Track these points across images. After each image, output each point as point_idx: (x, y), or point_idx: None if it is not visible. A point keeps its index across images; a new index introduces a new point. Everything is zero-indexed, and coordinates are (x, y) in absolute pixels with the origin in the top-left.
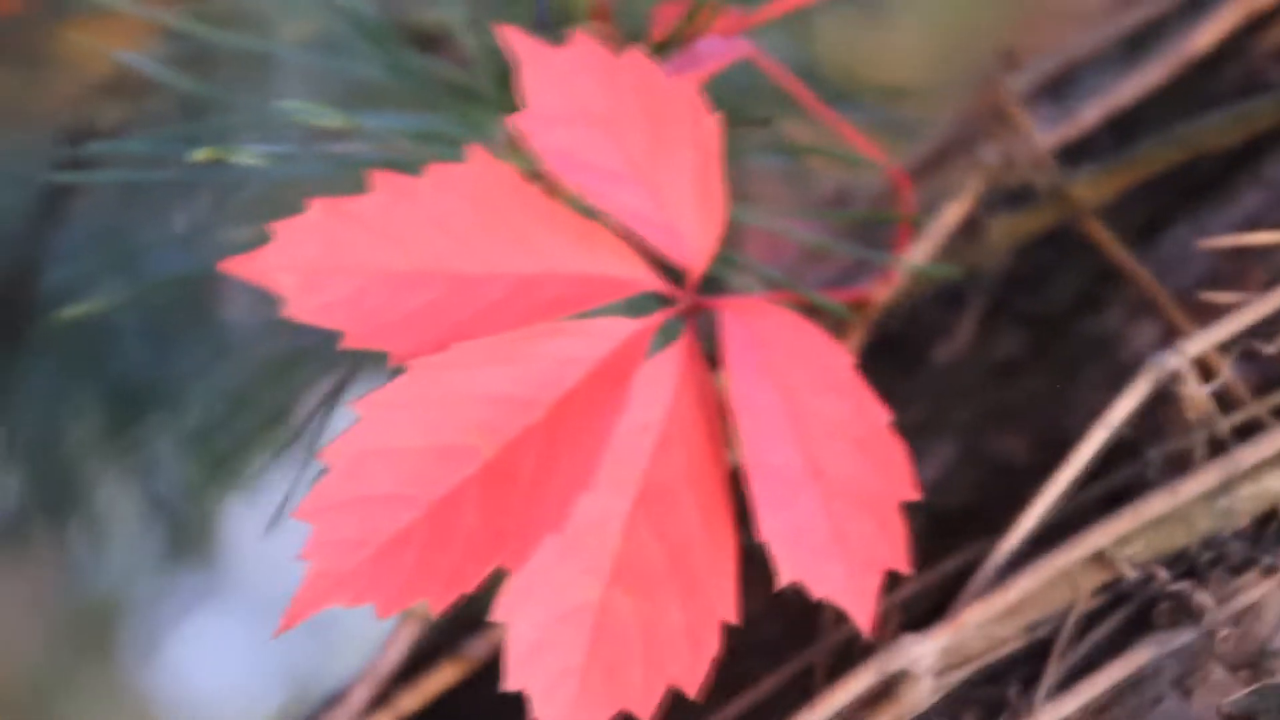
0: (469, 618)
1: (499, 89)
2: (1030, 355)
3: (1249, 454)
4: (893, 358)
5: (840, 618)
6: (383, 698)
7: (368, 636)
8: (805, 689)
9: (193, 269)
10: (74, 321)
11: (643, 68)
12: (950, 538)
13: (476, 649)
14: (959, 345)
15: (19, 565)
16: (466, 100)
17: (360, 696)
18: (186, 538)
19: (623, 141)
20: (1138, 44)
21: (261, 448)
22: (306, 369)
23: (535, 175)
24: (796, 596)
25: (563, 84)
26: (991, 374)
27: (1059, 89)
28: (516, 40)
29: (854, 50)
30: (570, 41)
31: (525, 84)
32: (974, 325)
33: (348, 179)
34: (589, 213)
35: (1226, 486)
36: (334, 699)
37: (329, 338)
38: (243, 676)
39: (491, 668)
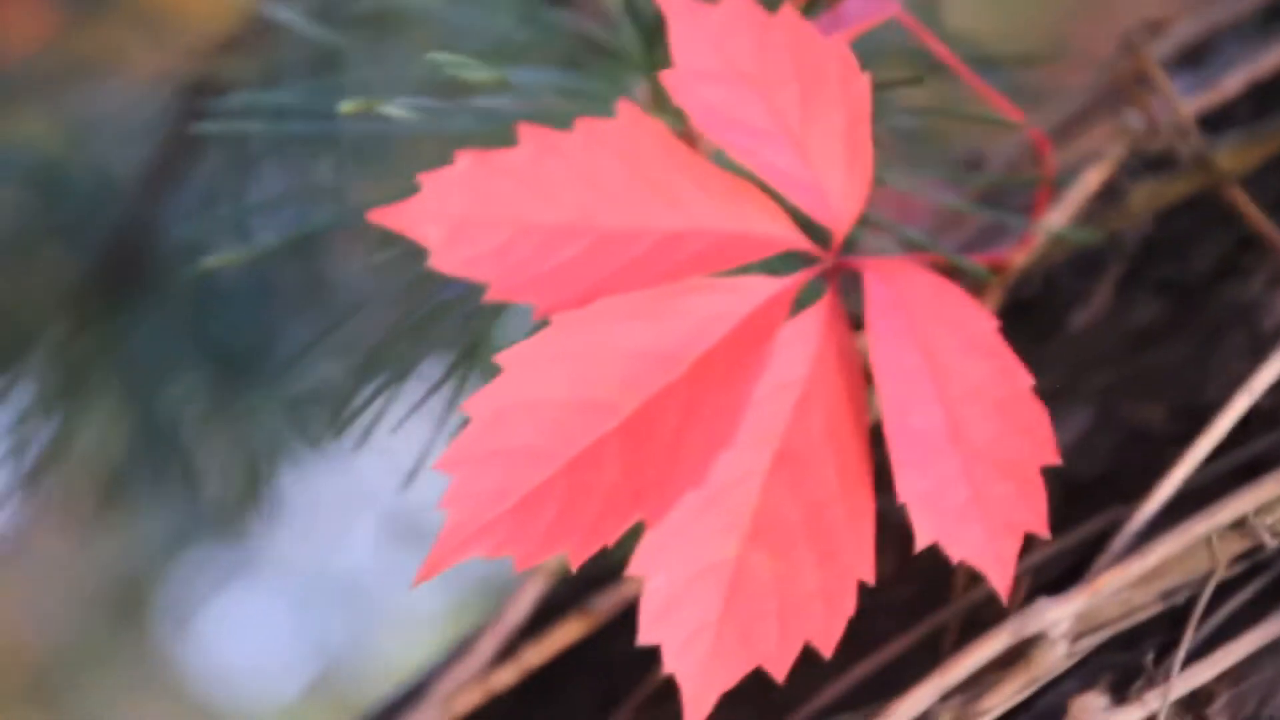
0: (594, 574)
1: (643, 47)
2: (1168, 323)
3: None
4: (1028, 324)
5: (972, 582)
6: (509, 650)
7: (399, 612)
8: (935, 651)
9: (308, 229)
10: (189, 280)
11: (795, 26)
12: (1083, 504)
13: (602, 605)
14: (1096, 312)
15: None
16: (607, 58)
17: (487, 648)
18: (229, 511)
19: (772, 100)
20: (1276, 15)
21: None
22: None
23: (682, 132)
24: (928, 559)
25: (713, 41)
26: (1128, 341)
27: (1198, 58)
28: None
29: (978, 19)
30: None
31: (674, 41)
32: (1111, 292)
33: (481, 135)
34: (735, 170)
35: None
36: (461, 649)
37: (442, 304)
38: (275, 650)
39: (616, 625)
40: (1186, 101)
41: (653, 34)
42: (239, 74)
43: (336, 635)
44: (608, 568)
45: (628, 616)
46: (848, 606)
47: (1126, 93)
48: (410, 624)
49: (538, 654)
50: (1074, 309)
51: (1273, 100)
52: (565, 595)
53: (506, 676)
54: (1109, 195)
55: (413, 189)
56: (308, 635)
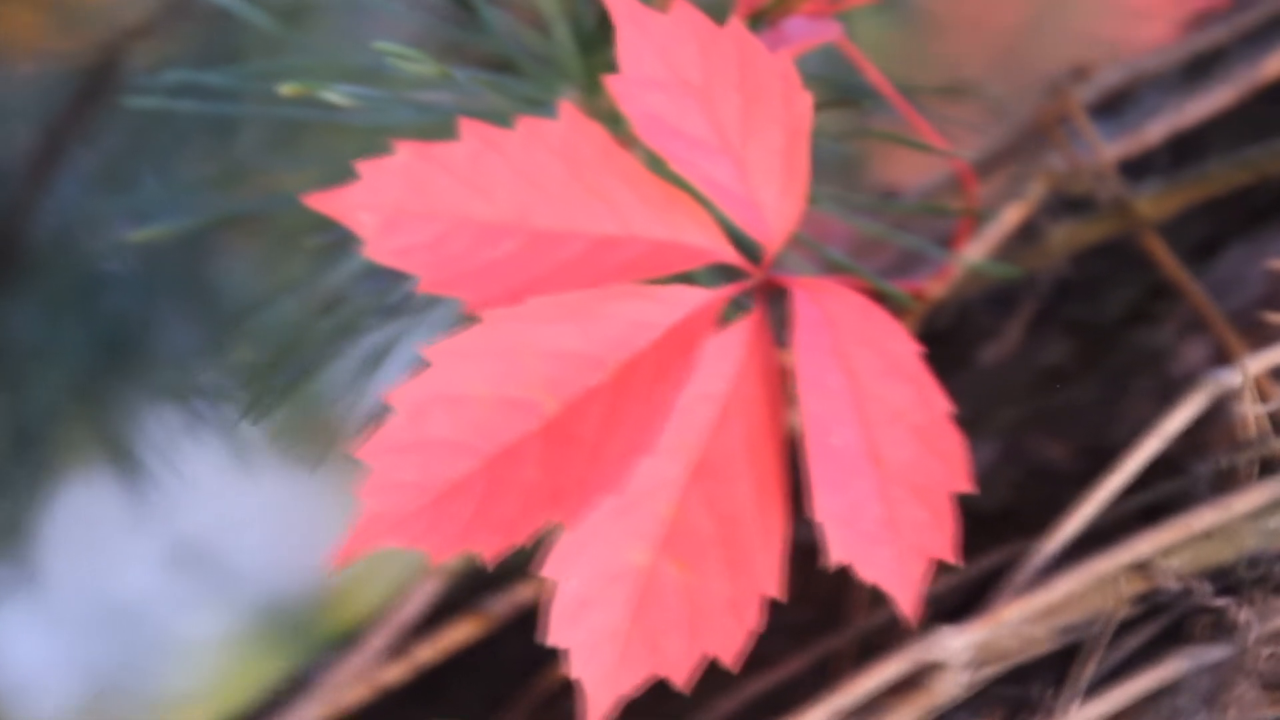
0: (489, 576)
1: (578, 54)
2: (1077, 363)
3: None
4: (940, 354)
5: (870, 607)
6: (400, 647)
7: (178, 638)
8: (828, 673)
9: (219, 216)
10: (64, 265)
11: (742, 39)
12: (982, 537)
13: (497, 607)
14: (1006, 348)
15: None
16: (538, 62)
17: (376, 644)
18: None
19: (715, 112)
20: (1198, 69)
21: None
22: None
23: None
24: (827, 582)
25: (659, 48)
26: (1037, 379)
27: (1119, 105)
28: (616, 2)
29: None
30: (671, 7)
31: (621, 46)
32: (1023, 329)
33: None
34: (671, 179)
35: (1276, 507)
36: (349, 644)
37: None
38: (45, 670)
39: (509, 628)
40: (1108, 146)
41: (590, 42)
42: (145, 63)
43: (111, 658)
44: (503, 571)
45: (521, 620)
46: (753, 620)
47: (1049, 134)
48: (189, 650)
49: (428, 652)
50: (985, 343)
51: (1191, 152)
52: (458, 596)
53: (396, 673)
54: (1027, 233)
55: (322, 182)
56: (82, 658)
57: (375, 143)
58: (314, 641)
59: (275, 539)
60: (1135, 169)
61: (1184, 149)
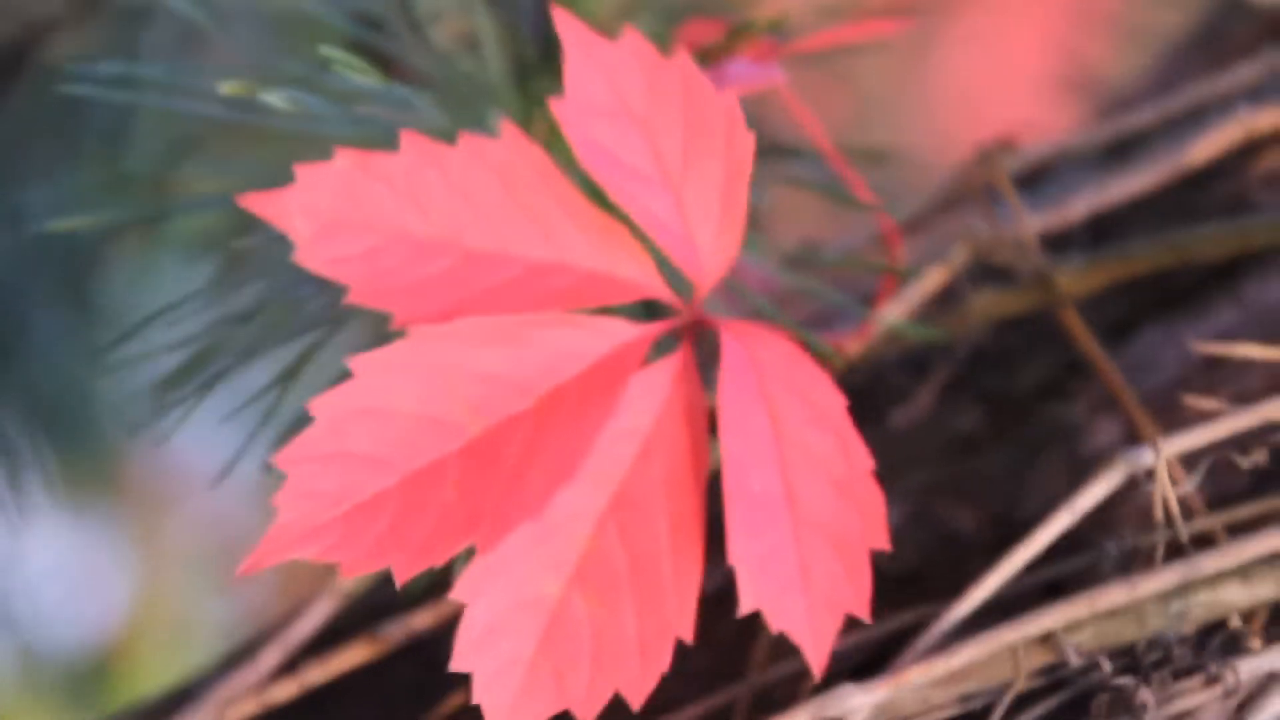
0: (384, 601)
1: (514, 80)
2: (988, 433)
3: (1211, 562)
4: (851, 413)
5: (770, 660)
6: (291, 666)
7: None
8: None
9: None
10: None
11: (689, 73)
12: (886, 597)
13: (391, 632)
14: (918, 411)
15: None
16: (470, 84)
17: (269, 661)
18: None
19: (657, 144)
20: (1119, 150)
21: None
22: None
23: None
24: (728, 630)
25: (607, 76)
26: (947, 445)
27: (1037, 180)
28: (566, 26)
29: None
30: (621, 36)
31: (568, 71)
32: (936, 394)
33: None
34: (608, 209)
35: (1183, 590)
36: (240, 659)
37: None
38: None
39: (402, 653)
40: (1032, 219)
41: (529, 68)
42: (50, 55)
43: None
44: (398, 596)
45: (414, 647)
46: (663, 661)
47: (975, 201)
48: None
49: (320, 673)
50: (897, 405)
51: (1110, 231)
52: (353, 618)
53: (285, 691)
54: (947, 298)
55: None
56: None
57: (283, 151)
58: (91, 699)
59: (59, 587)
60: (1055, 244)
61: (1104, 228)
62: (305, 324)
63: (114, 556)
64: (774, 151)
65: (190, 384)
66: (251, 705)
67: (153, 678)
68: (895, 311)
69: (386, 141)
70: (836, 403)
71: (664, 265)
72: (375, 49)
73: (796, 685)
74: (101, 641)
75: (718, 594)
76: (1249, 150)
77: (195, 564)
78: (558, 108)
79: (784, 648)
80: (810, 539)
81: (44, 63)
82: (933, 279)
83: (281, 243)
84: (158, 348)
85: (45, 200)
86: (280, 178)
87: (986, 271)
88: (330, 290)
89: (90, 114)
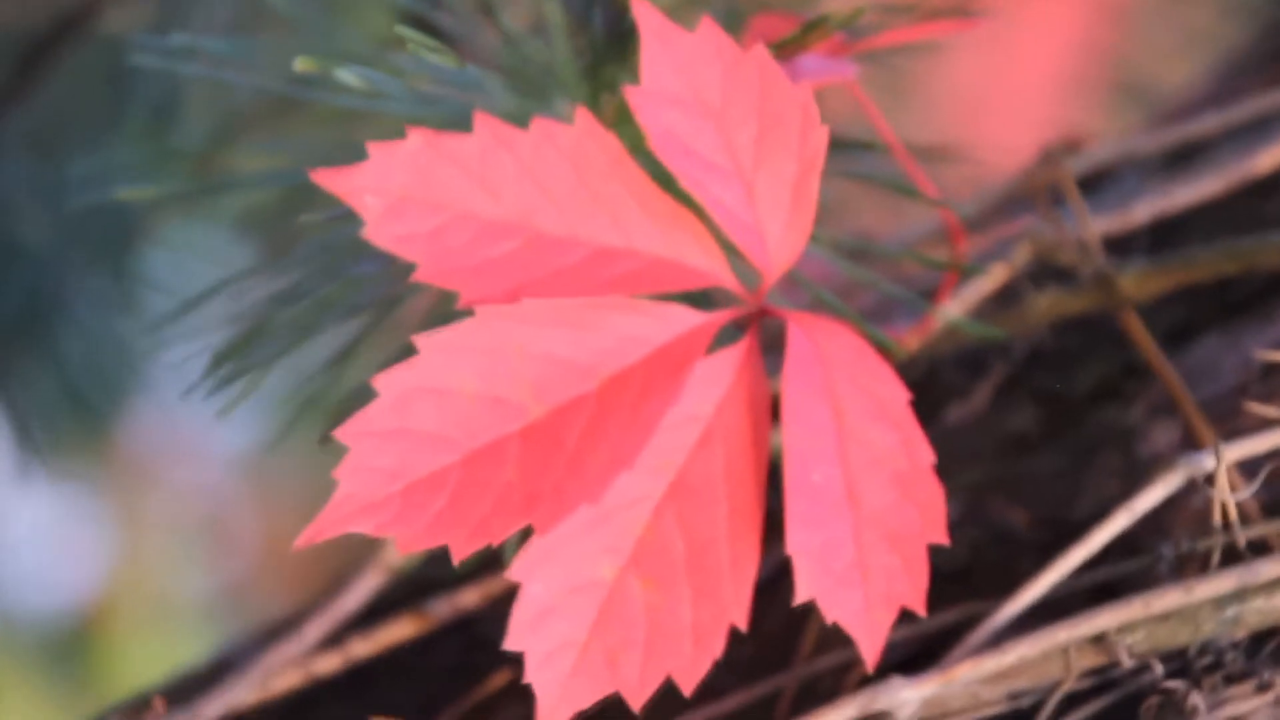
0: (432, 578)
1: (587, 67)
2: (1043, 433)
3: (1267, 568)
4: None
5: (816, 652)
6: (336, 639)
7: None
8: (769, 714)
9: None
10: None
11: (765, 65)
12: (937, 592)
13: (438, 609)
14: (974, 409)
15: None
16: (542, 72)
17: (314, 633)
18: None
19: (730, 135)
20: (1182, 157)
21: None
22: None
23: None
24: (775, 619)
25: (682, 66)
26: (1002, 444)
27: (1099, 183)
28: (645, 14)
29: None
30: (698, 27)
31: (645, 60)
32: (991, 392)
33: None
34: (679, 197)
35: (1239, 595)
36: (285, 629)
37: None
38: None
39: (447, 630)
40: (1095, 221)
41: (599, 54)
42: (119, 24)
43: None
44: (447, 574)
45: (460, 625)
46: (717, 648)
47: (1037, 201)
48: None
49: (365, 647)
50: (953, 402)
51: (1173, 237)
52: (400, 594)
53: (330, 664)
54: (1007, 297)
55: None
56: None
57: (332, 131)
58: (69, 666)
59: (41, 553)
60: (1116, 247)
61: (1165, 233)
62: (353, 307)
63: (97, 526)
64: (838, 145)
65: (243, 359)
66: (295, 676)
67: (131, 648)
68: (955, 308)
69: (448, 123)
70: (900, 397)
71: (731, 254)
72: (438, 29)
73: (842, 677)
74: (80, 610)
75: (765, 584)
76: None
77: (178, 537)
78: (633, 95)
79: (830, 639)
80: (869, 532)
81: (95, 35)
82: (995, 277)
83: (336, 223)
84: (202, 324)
85: (90, 172)
86: (329, 158)
87: (1048, 271)
88: (382, 274)
89: (139, 88)
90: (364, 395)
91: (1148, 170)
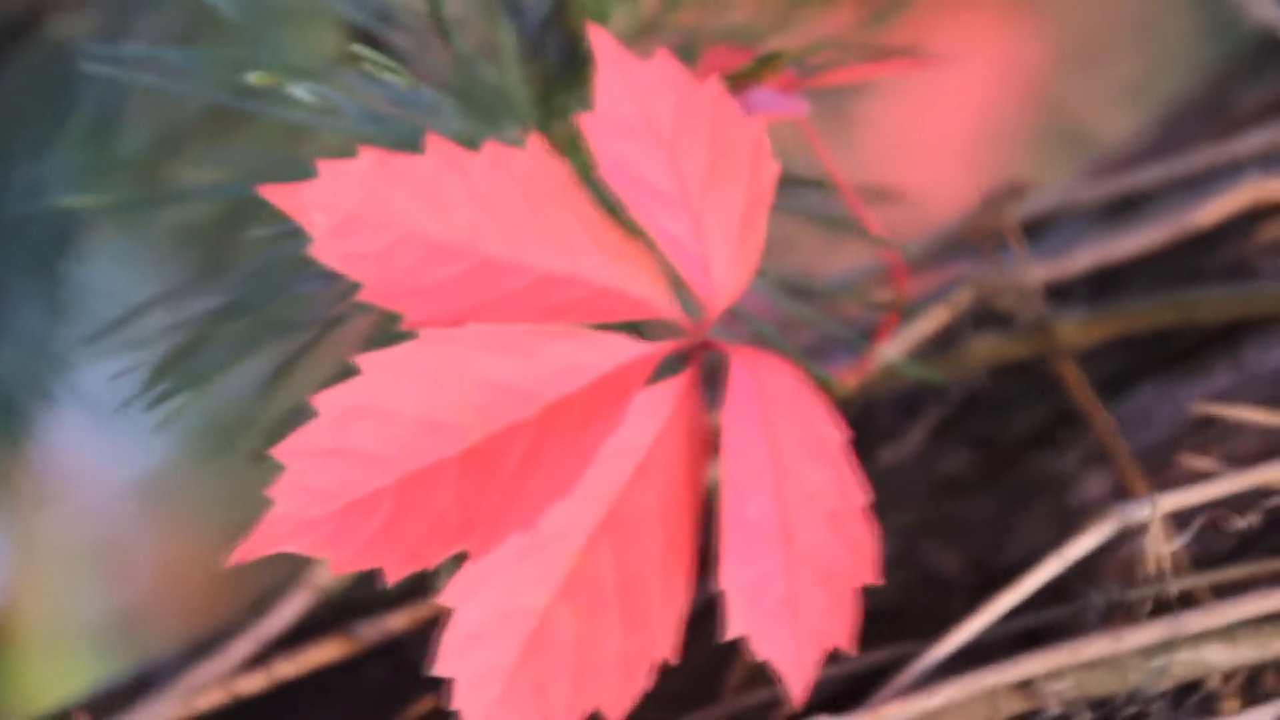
0: (359, 600)
1: (538, 93)
2: (976, 477)
3: (1195, 621)
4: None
5: (744, 687)
6: (261, 659)
7: None
8: None
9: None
10: None
11: (719, 98)
12: (864, 633)
13: (366, 631)
14: (907, 451)
15: None
16: (493, 96)
17: (239, 652)
18: None
19: (681, 166)
20: (1123, 207)
21: None
22: None
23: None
24: (704, 655)
25: (636, 95)
26: (934, 487)
27: (1039, 230)
28: (601, 42)
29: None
30: (653, 56)
31: (599, 86)
32: (925, 435)
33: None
34: (629, 226)
35: (1167, 646)
36: (209, 648)
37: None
38: None
39: (374, 654)
40: (1036, 268)
41: (550, 80)
42: (63, 32)
43: None
44: (375, 596)
45: (387, 648)
46: (643, 681)
47: (982, 247)
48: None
49: (291, 667)
50: (887, 444)
51: (1112, 287)
52: (327, 615)
53: (254, 683)
54: (945, 339)
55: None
56: None
57: (273, 146)
58: None
59: None
60: (1057, 294)
61: (1105, 282)
62: (292, 325)
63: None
64: (784, 181)
65: (179, 375)
66: (219, 695)
67: (27, 671)
68: (894, 349)
69: (397, 143)
70: (837, 436)
71: (676, 286)
72: (390, 47)
73: (769, 714)
74: None
75: (695, 617)
76: (1255, 216)
77: (74, 559)
78: (585, 122)
79: (759, 675)
80: (801, 570)
81: (40, 41)
82: (934, 319)
83: (279, 240)
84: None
85: (31, 179)
86: (273, 173)
87: (988, 316)
88: (322, 294)
89: (83, 95)
90: (298, 416)
91: (1089, 219)
